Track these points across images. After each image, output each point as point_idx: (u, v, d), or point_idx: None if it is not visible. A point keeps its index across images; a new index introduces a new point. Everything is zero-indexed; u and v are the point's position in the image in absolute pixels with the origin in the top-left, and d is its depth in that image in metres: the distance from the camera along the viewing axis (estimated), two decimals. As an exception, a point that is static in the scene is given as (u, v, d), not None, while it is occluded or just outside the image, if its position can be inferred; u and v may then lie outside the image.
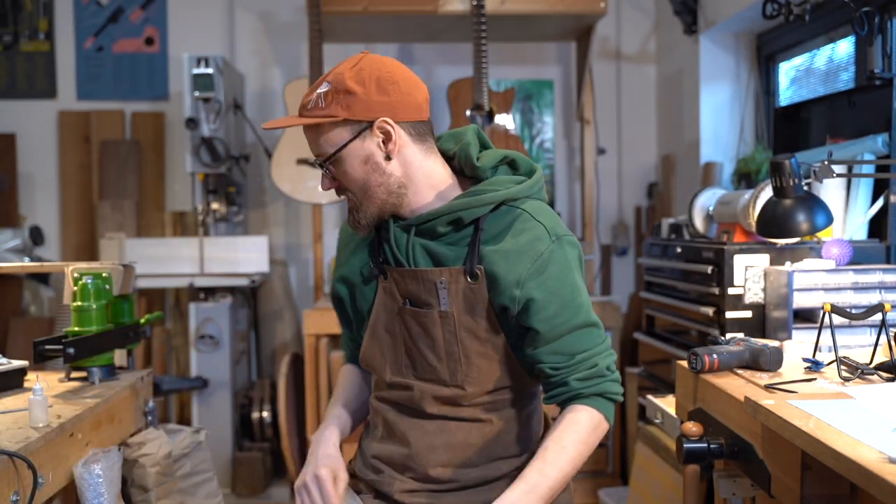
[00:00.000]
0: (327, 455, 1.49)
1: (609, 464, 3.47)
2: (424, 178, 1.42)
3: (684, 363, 1.77)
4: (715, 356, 1.68)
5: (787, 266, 2.25)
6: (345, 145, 1.37)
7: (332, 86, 1.36)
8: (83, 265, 1.97)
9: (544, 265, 1.38)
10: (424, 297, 1.42)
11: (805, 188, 1.96)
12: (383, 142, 1.38)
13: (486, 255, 1.39)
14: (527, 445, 1.52)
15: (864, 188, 2.44)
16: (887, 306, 1.63)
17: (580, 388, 1.41)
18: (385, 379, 1.51)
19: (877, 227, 2.47)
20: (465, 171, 1.48)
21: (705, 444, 1.60)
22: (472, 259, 1.39)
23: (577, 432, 1.40)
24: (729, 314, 2.32)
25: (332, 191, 1.46)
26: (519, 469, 1.44)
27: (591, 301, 1.45)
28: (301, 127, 1.42)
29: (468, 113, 3.60)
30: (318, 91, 1.37)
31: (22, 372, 1.88)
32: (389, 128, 1.37)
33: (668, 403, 2.34)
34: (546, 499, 1.36)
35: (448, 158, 1.49)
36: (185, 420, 3.86)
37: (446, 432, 1.48)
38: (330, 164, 1.40)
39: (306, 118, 1.38)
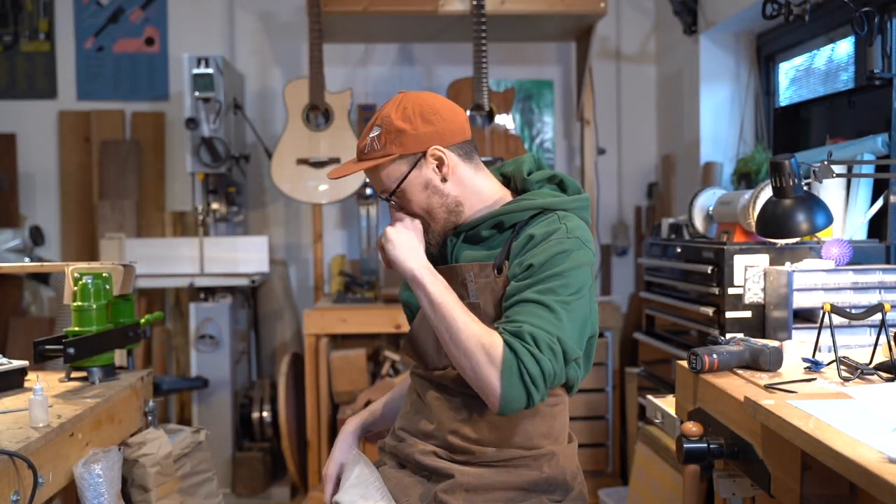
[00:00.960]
0: (345, 445, 1.72)
1: (609, 464, 3.47)
2: (477, 193, 1.59)
3: (684, 363, 1.77)
4: (715, 356, 1.68)
5: (787, 266, 2.25)
6: (405, 177, 1.54)
7: (383, 128, 1.53)
8: (83, 265, 1.97)
9: (547, 243, 1.46)
10: (458, 290, 1.51)
11: (805, 188, 1.96)
12: (437, 167, 1.55)
13: (514, 249, 1.51)
14: (548, 440, 1.57)
15: (863, 188, 2.44)
16: (887, 306, 1.63)
17: (500, 330, 1.40)
18: (426, 365, 1.61)
19: (877, 227, 2.47)
20: (517, 186, 1.64)
21: (705, 444, 1.60)
22: (503, 255, 1.51)
23: (483, 332, 1.38)
24: (729, 314, 2.32)
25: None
26: (537, 458, 1.53)
27: (576, 307, 1.42)
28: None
29: (468, 113, 3.59)
30: (371, 135, 1.55)
31: (22, 372, 1.88)
32: (441, 154, 1.54)
33: (668, 403, 2.33)
34: (431, 299, 1.43)
35: (508, 179, 1.66)
36: (185, 420, 3.86)
37: (472, 408, 1.54)
38: (395, 197, 1.57)
39: (366, 162, 1.55)
